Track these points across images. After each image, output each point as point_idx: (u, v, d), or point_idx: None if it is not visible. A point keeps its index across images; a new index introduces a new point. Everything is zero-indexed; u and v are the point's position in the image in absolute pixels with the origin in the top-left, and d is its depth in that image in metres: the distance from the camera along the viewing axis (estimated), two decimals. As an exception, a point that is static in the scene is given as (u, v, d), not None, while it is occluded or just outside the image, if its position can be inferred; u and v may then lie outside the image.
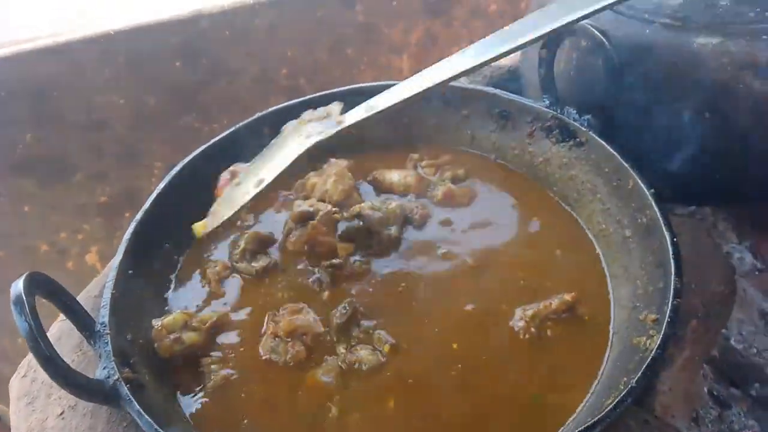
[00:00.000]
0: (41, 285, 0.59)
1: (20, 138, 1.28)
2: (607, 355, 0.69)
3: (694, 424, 0.97)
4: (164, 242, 0.80)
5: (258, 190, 0.73)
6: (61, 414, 0.72)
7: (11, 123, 1.27)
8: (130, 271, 0.73)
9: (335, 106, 0.81)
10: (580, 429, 0.54)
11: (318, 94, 0.95)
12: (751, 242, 1.03)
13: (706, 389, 0.99)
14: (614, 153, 0.81)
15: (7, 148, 1.27)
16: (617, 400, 0.56)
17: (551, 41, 0.85)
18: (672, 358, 0.94)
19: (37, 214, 1.34)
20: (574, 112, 0.88)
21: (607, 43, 0.79)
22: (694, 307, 0.88)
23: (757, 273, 1.01)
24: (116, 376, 0.60)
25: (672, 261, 0.67)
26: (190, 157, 0.85)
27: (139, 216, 0.77)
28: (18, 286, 0.56)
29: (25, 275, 0.57)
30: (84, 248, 1.39)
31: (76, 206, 1.37)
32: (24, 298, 0.54)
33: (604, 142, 0.82)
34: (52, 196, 1.34)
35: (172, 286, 0.79)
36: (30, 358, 0.80)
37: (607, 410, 0.55)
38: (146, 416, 0.57)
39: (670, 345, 0.64)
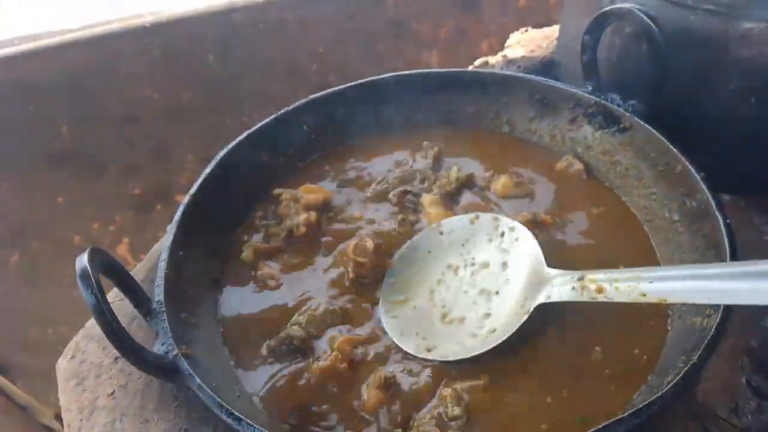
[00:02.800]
0: (103, 261, 0.60)
1: (56, 131, 1.29)
2: (668, 336, 0.68)
3: (734, 414, 0.96)
4: (212, 223, 0.80)
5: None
6: (112, 393, 0.72)
7: (48, 116, 1.28)
8: (181, 252, 0.73)
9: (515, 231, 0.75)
10: (644, 403, 0.54)
11: (351, 84, 0.95)
12: (786, 235, 1.02)
13: (744, 380, 0.98)
14: (661, 137, 0.80)
15: (44, 140, 1.29)
16: (680, 374, 0.55)
17: (596, 26, 0.85)
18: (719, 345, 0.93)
19: (71, 205, 1.35)
20: (618, 98, 0.87)
21: (654, 26, 0.78)
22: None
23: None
24: (175, 352, 0.61)
25: (727, 242, 0.67)
26: (237, 141, 0.86)
27: (187, 199, 0.78)
28: (83, 260, 0.56)
29: (88, 250, 0.58)
30: (116, 240, 1.41)
31: (109, 199, 1.38)
32: (90, 271, 0.55)
33: (650, 127, 0.82)
34: (86, 189, 1.36)
35: (221, 267, 0.80)
36: (77, 340, 0.80)
37: (670, 385, 0.55)
38: (207, 389, 0.57)
39: (728, 324, 0.63)
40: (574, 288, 0.64)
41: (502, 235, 0.75)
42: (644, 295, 0.60)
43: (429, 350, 0.67)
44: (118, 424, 0.69)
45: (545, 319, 0.68)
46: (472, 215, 0.79)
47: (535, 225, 0.80)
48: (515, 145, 0.94)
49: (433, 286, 0.74)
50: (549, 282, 0.67)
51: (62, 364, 0.79)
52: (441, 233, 0.78)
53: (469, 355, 0.66)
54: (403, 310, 0.72)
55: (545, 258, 0.70)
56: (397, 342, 0.69)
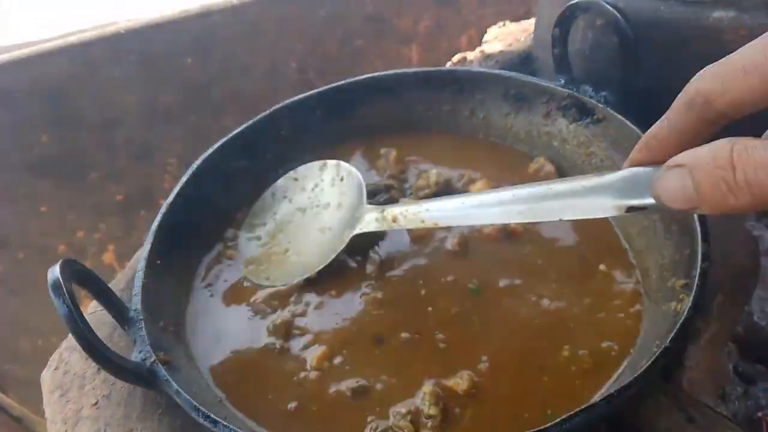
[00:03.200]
0: (76, 271, 0.60)
1: (36, 139, 1.29)
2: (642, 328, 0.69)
3: (721, 400, 0.97)
4: (190, 232, 0.80)
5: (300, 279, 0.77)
6: (96, 404, 0.72)
7: (27, 124, 1.28)
8: (159, 261, 0.74)
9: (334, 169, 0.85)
10: (617, 389, 0.54)
11: (328, 86, 0.95)
12: (771, 221, 1.03)
13: (731, 366, 0.99)
14: (633, 127, 0.81)
15: (24, 149, 1.29)
16: (652, 359, 0.56)
17: (564, 20, 0.85)
18: (699, 332, 0.94)
19: (55, 214, 1.35)
20: (590, 89, 0.88)
21: (622, 19, 0.79)
22: (720, 281, 0.88)
23: (777, 251, 1.02)
24: (153, 359, 0.61)
25: (698, 226, 0.67)
26: (212, 149, 0.86)
27: (164, 207, 0.78)
28: (55, 271, 0.56)
29: (60, 261, 0.58)
30: (101, 247, 1.40)
31: (92, 205, 1.38)
32: (61, 281, 0.55)
33: (622, 117, 0.83)
34: (69, 196, 1.35)
35: (201, 274, 0.80)
36: (60, 351, 0.81)
37: (642, 370, 0.56)
38: (185, 394, 0.57)
39: (701, 309, 0.64)
40: (377, 219, 0.74)
41: (342, 179, 0.83)
42: (423, 222, 0.69)
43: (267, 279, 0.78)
44: (102, 434, 0.70)
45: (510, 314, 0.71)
46: (320, 162, 0.87)
47: (505, 235, 0.80)
48: (488, 147, 0.95)
49: (283, 227, 0.84)
50: (363, 216, 0.76)
51: (46, 376, 0.79)
52: (296, 179, 0.87)
53: (294, 281, 0.77)
54: (258, 251, 0.82)
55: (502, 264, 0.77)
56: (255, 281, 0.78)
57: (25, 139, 1.29)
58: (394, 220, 0.72)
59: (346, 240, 0.76)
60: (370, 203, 0.79)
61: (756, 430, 0.91)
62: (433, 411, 0.61)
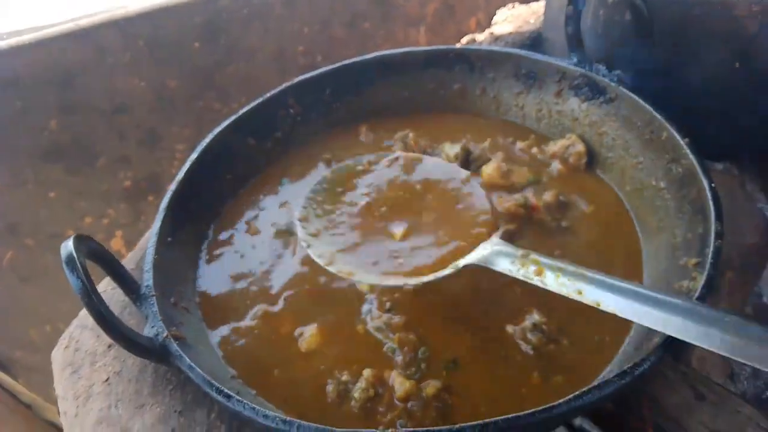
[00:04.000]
0: (89, 247, 0.60)
1: (45, 125, 1.29)
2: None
3: (730, 380, 0.97)
4: (199, 210, 0.80)
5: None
6: (107, 380, 0.72)
7: (37, 110, 1.27)
8: (169, 238, 0.74)
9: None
10: (629, 365, 0.54)
11: (337, 64, 0.95)
12: (781, 201, 1.02)
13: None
14: (646, 106, 0.80)
15: (34, 135, 1.28)
16: (663, 337, 0.56)
17: (578, -4, 0.84)
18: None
19: (63, 200, 1.35)
20: (603, 68, 0.87)
21: (636, -5, 0.78)
22: (730, 259, 0.87)
23: (786, 231, 1.01)
24: (165, 334, 0.61)
25: (712, 205, 0.67)
26: (221, 127, 0.86)
27: (174, 185, 0.78)
28: (68, 246, 0.56)
29: (73, 236, 0.58)
30: (109, 233, 1.41)
31: (101, 191, 1.38)
32: (75, 256, 0.55)
33: (635, 96, 0.82)
34: (77, 182, 1.35)
35: (205, 254, 0.80)
36: (71, 330, 0.81)
37: (654, 347, 0.55)
38: (198, 370, 0.57)
39: (714, 287, 0.63)
40: (513, 263, 0.63)
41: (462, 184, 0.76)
42: (580, 293, 0.59)
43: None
44: (114, 410, 0.70)
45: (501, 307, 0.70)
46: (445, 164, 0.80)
47: (513, 218, 0.79)
48: (500, 125, 0.94)
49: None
50: (489, 248, 0.66)
51: (57, 354, 0.79)
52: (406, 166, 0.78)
53: (383, 283, 0.67)
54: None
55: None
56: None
57: (34, 125, 1.29)
58: (539, 274, 0.61)
59: (460, 266, 0.66)
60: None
61: (765, 408, 0.91)
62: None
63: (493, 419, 0.50)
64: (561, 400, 0.52)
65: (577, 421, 0.80)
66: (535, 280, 0.61)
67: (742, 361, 0.51)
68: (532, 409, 0.51)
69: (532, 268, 0.62)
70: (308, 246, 0.70)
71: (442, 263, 0.67)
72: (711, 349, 0.52)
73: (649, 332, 0.60)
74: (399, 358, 0.65)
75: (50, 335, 1.45)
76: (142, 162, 1.38)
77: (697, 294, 0.60)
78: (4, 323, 1.44)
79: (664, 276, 0.69)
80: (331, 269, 0.67)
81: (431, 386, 0.62)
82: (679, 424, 0.68)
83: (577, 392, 0.52)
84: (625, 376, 0.53)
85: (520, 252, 0.64)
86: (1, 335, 1.45)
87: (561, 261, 0.62)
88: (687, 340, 0.53)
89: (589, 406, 0.53)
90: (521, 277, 0.62)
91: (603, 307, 0.58)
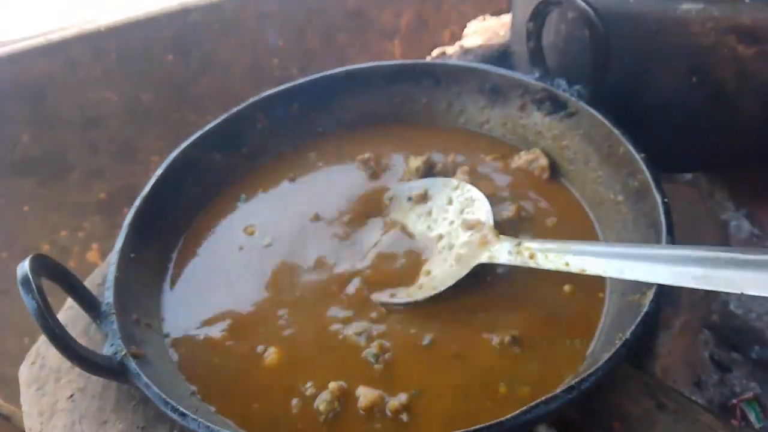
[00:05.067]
0: (46, 266, 0.60)
1: (18, 138, 1.29)
2: (604, 316, 0.70)
3: (697, 388, 0.98)
4: (163, 225, 0.81)
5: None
6: (71, 396, 0.73)
7: (8, 123, 1.27)
8: (132, 255, 0.74)
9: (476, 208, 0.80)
10: (576, 380, 0.55)
11: (303, 79, 0.96)
12: (748, 210, 1.04)
13: (707, 354, 1.00)
14: (604, 121, 0.82)
15: (6, 148, 1.28)
16: (612, 351, 0.57)
17: (537, 14, 0.86)
18: (669, 322, 0.95)
19: (37, 213, 1.35)
20: (564, 83, 0.89)
21: (592, 12, 0.80)
22: (690, 270, 0.89)
23: (755, 240, 1.03)
24: (123, 352, 0.61)
25: (663, 219, 0.68)
26: (187, 142, 0.87)
27: (138, 201, 0.79)
28: (24, 266, 0.57)
29: (30, 256, 0.59)
30: (85, 246, 1.40)
31: (75, 204, 1.38)
32: (30, 277, 0.56)
33: (594, 111, 0.83)
34: (51, 195, 1.35)
35: (172, 269, 0.80)
36: (38, 346, 0.81)
37: (602, 362, 0.56)
38: (154, 388, 0.58)
39: (664, 301, 0.65)
40: (510, 252, 0.71)
41: (466, 199, 0.81)
42: (567, 264, 0.66)
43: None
44: (78, 426, 0.70)
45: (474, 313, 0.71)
46: (443, 180, 0.86)
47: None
48: (468, 137, 0.96)
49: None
50: (492, 245, 0.73)
51: (24, 370, 0.80)
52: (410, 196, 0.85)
53: (411, 300, 0.72)
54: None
55: None
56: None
57: (6, 139, 1.29)
58: (532, 257, 0.69)
59: (471, 266, 0.72)
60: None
61: (730, 416, 0.93)
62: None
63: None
64: (508, 416, 0.53)
65: (542, 430, 0.81)
66: (530, 263, 0.69)
67: (713, 288, 0.55)
68: (481, 425, 0.52)
69: (526, 253, 0.69)
70: None
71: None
72: (687, 285, 0.56)
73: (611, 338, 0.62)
74: (378, 366, 0.66)
75: (28, 347, 1.44)
76: (116, 174, 1.38)
77: (645, 309, 0.61)
78: (-20, 336, 1.43)
79: (621, 290, 0.71)
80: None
81: (397, 400, 0.63)
82: (641, 432, 0.69)
83: (525, 407, 0.54)
84: (571, 391, 0.55)
85: (515, 242, 0.72)
86: (-21, 348, 1.44)
87: (546, 241, 0.71)
88: (662, 281, 0.59)
89: (538, 419, 0.54)
90: (519, 264, 0.70)
91: (588, 271, 0.64)
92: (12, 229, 1.35)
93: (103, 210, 1.39)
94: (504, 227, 0.80)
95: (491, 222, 0.76)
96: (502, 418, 0.53)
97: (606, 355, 0.58)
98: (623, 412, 0.70)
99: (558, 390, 0.56)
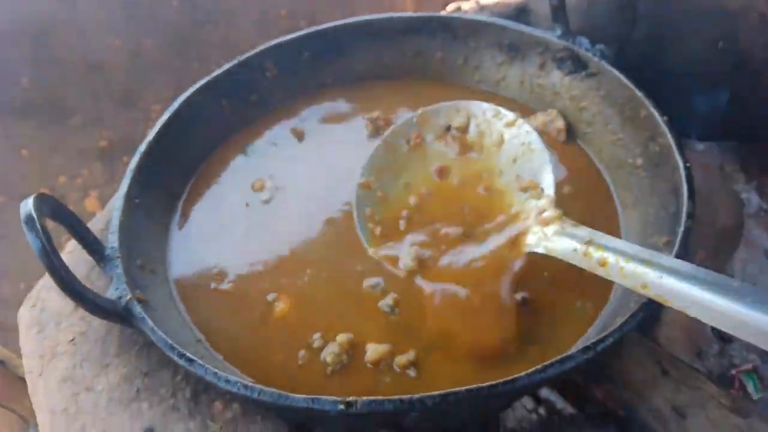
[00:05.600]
0: (50, 206, 0.58)
1: (17, 80, 1.25)
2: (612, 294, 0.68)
3: (697, 358, 0.99)
4: (168, 171, 0.79)
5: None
6: (72, 340, 0.72)
7: (9, 65, 1.24)
8: (137, 200, 0.72)
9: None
10: (593, 340, 0.54)
11: (316, 28, 0.92)
12: (758, 183, 1.03)
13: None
14: (627, 82, 0.79)
15: (6, 90, 1.25)
16: (631, 313, 0.56)
17: (564, -32, 0.83)
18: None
19: (36, 158, 1.33)
20: (587, 42, 0.86)
21: (621, -32, 0.76)
22: (703, 239, 0.88)
23: (763, 214, 1.02)
24: (128, 296, 0.60)
25: (685, 184, 0.67)
26: (195, 87, 0.84)
27: (143, 145, 0.76)
28: (27, 205, 0.55)
29: (33, 195, 0.57)
30: (84, 193, 1.38)
31: (75, 150, 1.35)
32: (34, 215, 0.54)
33: (617, 72, 0.81)
34: (51, 140, 1.33)
35: (177, 216, 0.79)
36: (38, 288, 0.80)
37: (621, 323, 0.55)
38: (160, 332, 0.57)
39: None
40: (575, 250, 0.58)
41: (515, 145, 0.69)
42: (644, 287, 0.52)
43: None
44: (79, 369, 0.69)
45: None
46: (493, 108, 0.72)
47: None
48: (482, 97, 0.92)
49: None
50: (551, 228, 0.61)
51: (23, 313, 0.79)
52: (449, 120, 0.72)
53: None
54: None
55: None
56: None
57: (6, 81, 1.26)
58: (603, 265, 0.55)
59: (523, 253, 0.62)
60: None
61: (729, 386, 0.93)
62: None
63: (453, 390, 0.51)
64: (522, 373, 0.52)
65: (544, 393, 0.81)
66: (599, 271, 0.56)
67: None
68: (494, 381, 0.51)
69: (596, 257, 0.56)
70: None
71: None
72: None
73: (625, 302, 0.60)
74: (389, 319, 0.65)
75: (23, 293, 1.44)
76: (117, 122, 1.35)
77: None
78: (-24, 281, 1.42)
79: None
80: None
81: (405, 356, 0.62)
82: (643, 397, 0.69)
83: (539, 366, 0.53)
84: (587, 351, 0.54)
85: (583, 236, 0.58)
86: (-26, 292, 1.43)
87: (624, 245, 0.56)
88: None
89: (552, 379, 0.53)
90: (584, 267, 0.57)
91: (672, 305, 0.50)
92: (10, 173, 1.33)
93: (103, 157, 1.37)
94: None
95: (552, 192, 0.63)
96: (516, 376, 0.52)
97: (623, 318, 0.57)
98: (626, 378, 0.71)
99: (572, 350, 0.55)
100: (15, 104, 1.28)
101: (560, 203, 0.75)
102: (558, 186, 0.78)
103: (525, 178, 0.68)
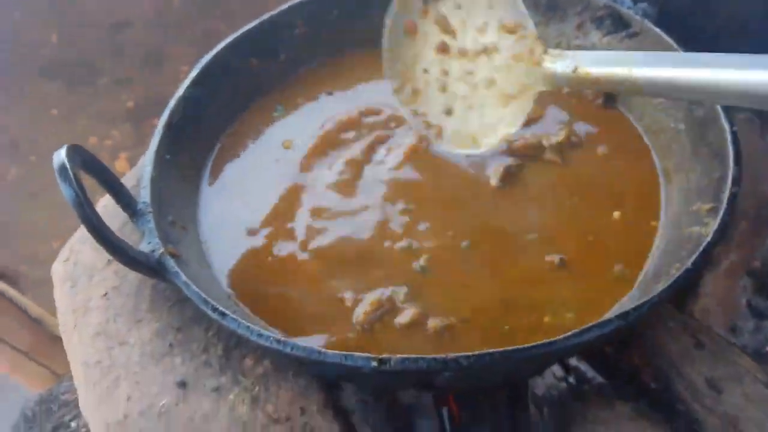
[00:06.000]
0: (83, 157, 0.58)
1: (46, 39, 1.25)
2: (655, 245, 0.67)
3: (732, 333, 0.97)
4: (198, 128, 0.78)
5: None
6: (105, 294, 0.73)
7: (36, 23, 1.23)
8: (168, 156, 0.72)
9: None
10: (635, 305, 0.53)
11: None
12: (799, 154, 0.99)
13: (744, 300, 0.98)
14: (672, 42, 0.76)
15: (34, 49, 1.25)
16: (672, 280, 0.55)
17: None
18: (718, 260, 0.92)
19: (65, 118, 1.33)
20: (628, 0, 0.82)
21: None
22: (745, 209, 0.85)
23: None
24: (161, 250, 0.60)
25: (731, 148, 0.64)
26: (223, 44, 0.82)
27: (173, 102, 0.76)
28: (60, 155, 0.55)
29: (66, 145, 0.56)
30: (113, 154, 1.39)
31: (104, 112, 1.35)
32: (67, 165, 0.54)
33: (661, 32, 0.77)
34: (80, 101, 1.33)
35: (208, 173, 0.78)
36: (71, 243, 0.81)
37: (660, 290, 0.54)
38: (193, 286, 0.57)
39: (726, 234, 0.62)
40: (566, 70, 0.60)
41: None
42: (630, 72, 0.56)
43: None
44: (112, 324, 0.70)
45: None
46: None
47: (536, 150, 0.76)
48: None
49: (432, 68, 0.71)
50: (543, 61, 0.63)
51: (57, 267, 0.80)
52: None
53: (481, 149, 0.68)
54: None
55: None
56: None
57: (35, 39, 1.25)
58: (588, 77, 0.59)
59: (532, 99, 0.64)
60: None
61: (764, 362, 0.91)
62: None
63: (489, 350, 0.50)
64: (559, 336, 0.51)
65: (573, 361, 0.80)
66: (586, 86, 0.60)
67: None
68: (529, 344, 0.51)
69: (583, 73, 0.59)
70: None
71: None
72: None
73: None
74: (421, 280, 0.64)
75: (56, 251, 1.47)
76: (145, 83, 1.34)
77: (708, 239, 0.58)
78: (11, 238, 1.45)
79: (676, 221, 0.67)
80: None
81: (438, 318, 0.61)
82: (678, 370, 0.68)
83: (576, 329, 0.52)
84: (626, 316, 0.53)
85: (569, 63, 0.61)
86: (8, 250, 1.46)
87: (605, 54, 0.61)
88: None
89: (589, 343, 0.52)
90: (581, 87, 0.61)
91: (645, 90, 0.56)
92: (40, 133, 1.34)
93: (131, 118, 1.37)
94: (551, 153, 0.76)
95: (533, 27, 0.64)
96: (553, 339, 0.51)
97: (662, 285, 0.55)
98: (660, 350, 0.69)
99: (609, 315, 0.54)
100: (44, 63, 1.28)
101: (597, 163, 0.76)
102: (591, 144, 0.77)
103: (508, 21, 0.66)
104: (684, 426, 0.64)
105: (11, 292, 1.51)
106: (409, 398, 0.82)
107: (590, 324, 0.52)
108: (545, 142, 0.78)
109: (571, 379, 0.80)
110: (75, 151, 0.56)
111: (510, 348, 0.50)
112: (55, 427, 1.14)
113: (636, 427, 0.66)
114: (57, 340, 1.61)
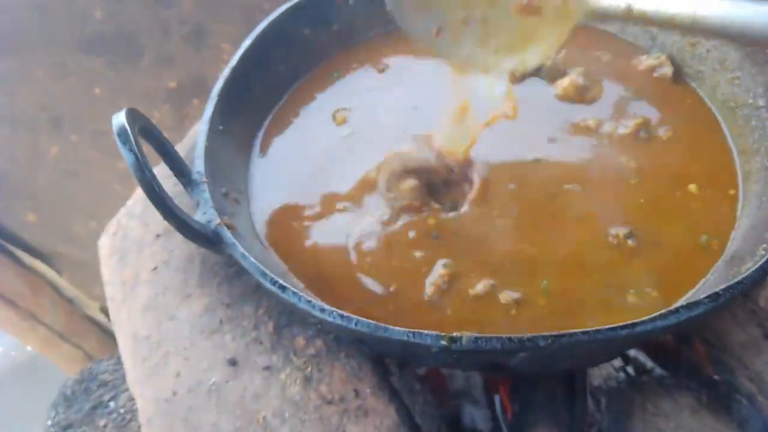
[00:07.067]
0: (141, 121, 0.56)
1: (90, 13, 1.24)
2: (739, 213, 0.64)
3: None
4: (252, 100, 0.76)
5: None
6: (155, 268, 0.71)
7: (81, -1, 1.22)
8: (221, 127, 0.70)
9: None
10: (723, 287, 0.49)
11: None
12: None
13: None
14: (752, 14, 0.71)
15: (78, 23, 1.24)
16: (761, 262, 0.50)
17: None
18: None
19: (107, 97, 1.32)
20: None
21: None
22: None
23: None
24: (217, 221, 0.58)
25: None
26: (276, 14, 0.80)
27: (227, 71, 0.74)
28: (120, 117, 0.53)
29: (125, 108, 0.55)
30: (155, 135, 1.38)
31: (145, 92, 1.34)
32: (128, 128, 0.51)
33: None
34: (121, 80, 1.32)
35: (259, 145, 0.76)
36: (119, 218, 0.80)
37: (754, 268, 0.50)
38: (251, 258, 0.54)
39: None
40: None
41: None
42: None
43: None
44: (161, 298, 0.69)
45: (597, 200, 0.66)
46: None
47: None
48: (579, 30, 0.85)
49: None
50: None
51: (104, 241, 0.79)
52: None
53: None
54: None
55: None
56: None
57: (79, 13, 1.24)
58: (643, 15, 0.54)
59: (568, 29, 0.59)
60: None
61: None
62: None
63: (569, 331, 0.47)
64: (644, 318, 0.47)
65: (632, 353, 0.76)
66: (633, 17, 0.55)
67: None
68: (612, 325, 0.47)
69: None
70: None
71: None
72: None
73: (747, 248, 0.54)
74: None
75: (94, 231, 1.46)
76: (187, 62, 1.32)
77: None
78: (49, 217, 1.45)
79: (759, 200, 0.63)
80: None
81: (509, 293, 0.59)
82: (743, 362, 0.64)
83: (662, 311, 0.48)
84: (717, 298, 0.49)
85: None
86: (47, 229, 1.46)
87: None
88: None
89: (675, 327, 0.48)
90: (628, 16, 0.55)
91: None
92: (82, 111, 1.33)
93: (172, 99, 1.36)
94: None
95: None
96: (636, 320, 0.47)
97: (755, 264, 0.51)
98: (724, 340, 0.65)
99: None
100: (87, 37, 1.27)
101: (659, 148, 0.72)
102: (653, 128, 0.73)
103: None
104: (749, 419, 0.61)
105: (49, 273, 1.51)
106: (458, 384, 0.79)
107: (676, 305, 0.48)
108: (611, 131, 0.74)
109: (630, 370, 0.76)
110: (134, 115, 0.54)
111: (591, 329, 0.47)
112: (93, 406, 1.14)
113: (697, 420, 0.63)
114: (90, 321, 1.62)
